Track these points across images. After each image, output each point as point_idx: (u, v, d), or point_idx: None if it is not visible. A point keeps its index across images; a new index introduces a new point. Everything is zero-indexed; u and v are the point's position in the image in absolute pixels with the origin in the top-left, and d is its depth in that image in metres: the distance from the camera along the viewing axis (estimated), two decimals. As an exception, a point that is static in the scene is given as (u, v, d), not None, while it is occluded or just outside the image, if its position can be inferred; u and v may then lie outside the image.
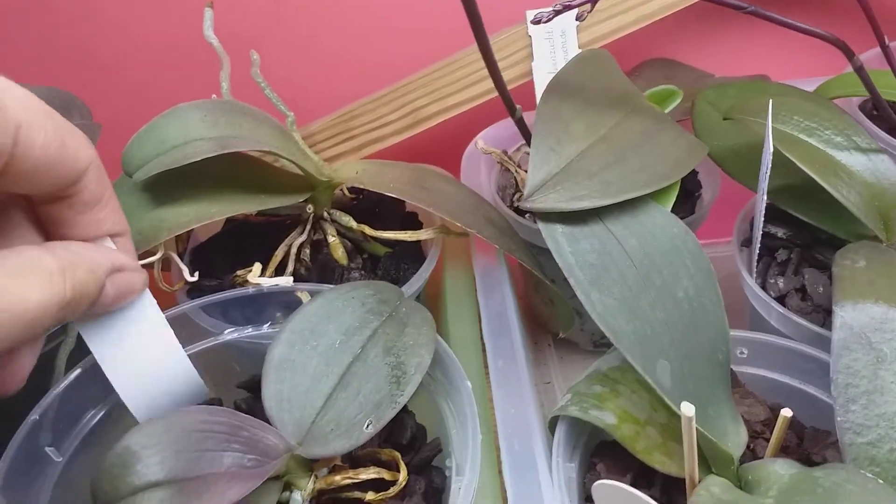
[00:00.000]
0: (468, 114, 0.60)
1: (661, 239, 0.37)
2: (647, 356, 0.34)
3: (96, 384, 0.36)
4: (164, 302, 0.38)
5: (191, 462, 0.30)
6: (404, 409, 0.38)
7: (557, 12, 0.33)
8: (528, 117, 0.60)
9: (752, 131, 0.46)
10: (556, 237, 0.36)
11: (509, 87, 0.57)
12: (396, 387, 0.34)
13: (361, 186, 0.46)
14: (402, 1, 0.61)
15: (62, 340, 0.44)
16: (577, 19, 0.33)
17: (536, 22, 0.33)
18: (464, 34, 0.62)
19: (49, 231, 0.31)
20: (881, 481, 0.28)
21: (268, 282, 0.41)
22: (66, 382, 0.37)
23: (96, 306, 0.30)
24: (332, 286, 0.41)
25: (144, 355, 0.35)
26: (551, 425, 0.38)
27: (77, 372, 0.37)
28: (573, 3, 0.32)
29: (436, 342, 0.37)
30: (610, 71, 0.44)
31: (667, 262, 0.37)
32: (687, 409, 0.29)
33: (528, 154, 0.58)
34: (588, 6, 0.33)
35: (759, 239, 0.43)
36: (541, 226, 0.36)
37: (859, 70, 0.44)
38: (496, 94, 0.58)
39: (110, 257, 0.30)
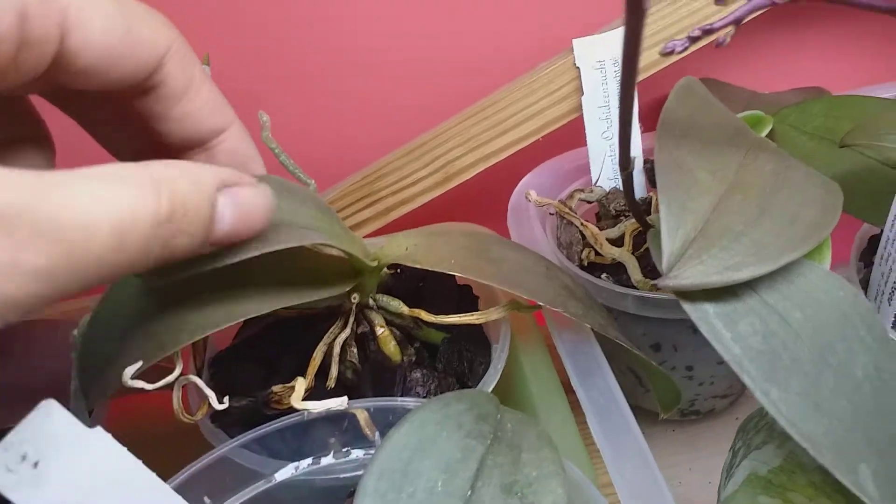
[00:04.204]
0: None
1: (828, 307, 0.30)
2: (847, 462, 0.26)
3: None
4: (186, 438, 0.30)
5: None
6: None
7: (694, 39, 0.26)
8: (575, 156, 0.53)
9: (863, 157, 0.40)
10: (709, 321, 0.28)
11: (556, 126, 0.51)
12: (534, 543, 0.26)
13: (416, 266, 0.38)
14: (422, 43, 0.53)
15: None
16: (717, 45, 0.26)
17: (668, 53, 0.26)
18: (495, 73, 0.55)
19: (143, 135, 0.28)
20: None
21: (317, 406, 0.33)
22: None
23: (215, 233, 0.23)
24: (414, 401, 0.33)
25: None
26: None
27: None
28: (715, 25, 0.25)
29: (564, 468, 0.29)
30: (710, 101, 0.36)
31: (839, 335, 0.29)
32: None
33: (583, 201, 0.51)
34: (731, 29, 0.26)
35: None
36: (687, 307, 0.28)
37: None
38: (539, 136, 0.51)
39: (218, 171, 0.24)
